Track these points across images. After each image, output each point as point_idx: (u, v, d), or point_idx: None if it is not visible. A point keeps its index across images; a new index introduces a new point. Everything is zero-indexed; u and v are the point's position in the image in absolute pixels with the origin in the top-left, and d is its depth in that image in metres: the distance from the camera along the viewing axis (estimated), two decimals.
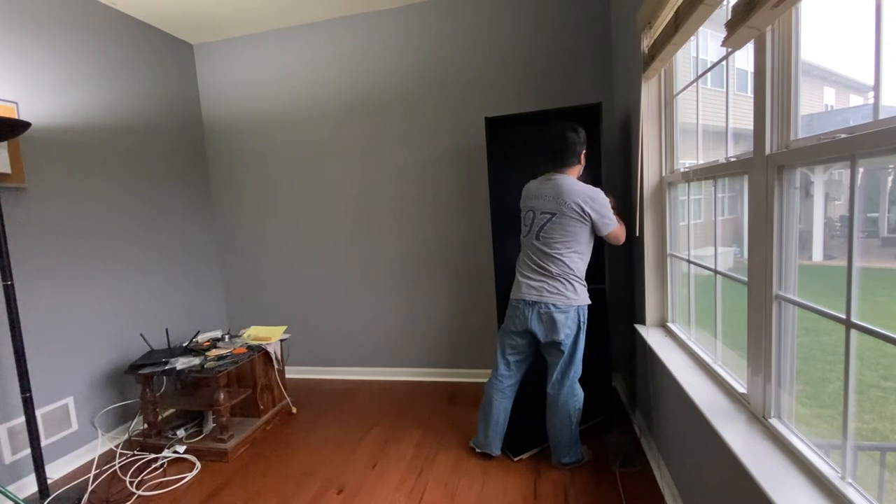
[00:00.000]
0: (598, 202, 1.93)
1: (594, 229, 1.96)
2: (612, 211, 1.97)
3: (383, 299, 3.33)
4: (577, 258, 1.97)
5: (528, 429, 2.35)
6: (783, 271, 1.14)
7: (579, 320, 1.98)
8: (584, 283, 2.01)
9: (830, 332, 1.00)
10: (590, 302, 2.03)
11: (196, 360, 2.45)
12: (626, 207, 2.59)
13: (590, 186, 1.95)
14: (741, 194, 1.37)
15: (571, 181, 1.97)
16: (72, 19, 2.53)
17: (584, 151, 2.05)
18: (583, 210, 1.91)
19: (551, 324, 1.95)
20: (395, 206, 3.24)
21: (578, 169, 2.05)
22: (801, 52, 1.05)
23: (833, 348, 1.03)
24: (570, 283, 1.95)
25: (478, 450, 2.22)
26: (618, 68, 2.67)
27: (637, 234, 2.20)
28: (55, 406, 2.34)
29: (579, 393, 2.05)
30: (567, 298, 1.94)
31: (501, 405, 2.14)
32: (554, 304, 1.94)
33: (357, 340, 3.43)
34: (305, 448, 2.45)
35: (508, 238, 2.88)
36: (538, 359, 2.16)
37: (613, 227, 1.98)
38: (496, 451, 2.18)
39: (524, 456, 2.21)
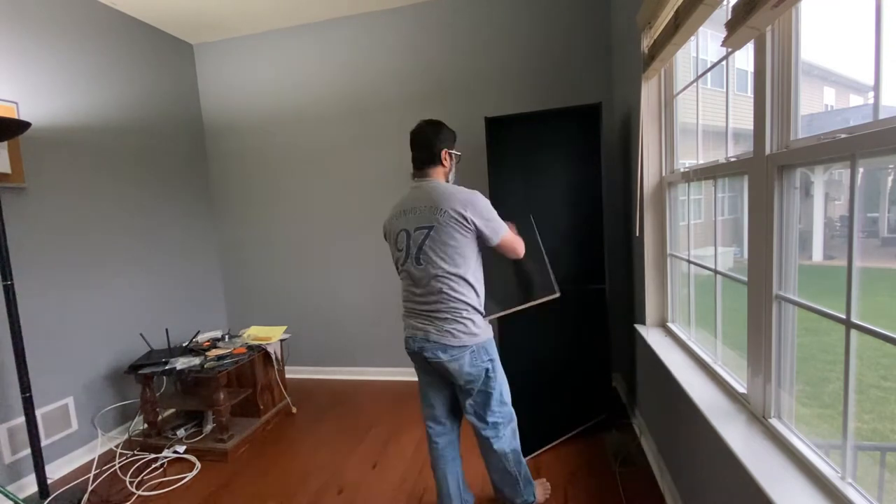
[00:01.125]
0: (478, 205, 1.52)
1: (480, 240, 1.55)
2: (497, 215, 1.57)
3: (383, 299, 3.33)
4: (472, 289, 1.54)
5: (527, 430, 2.36)
6: (783, 271, 1.14)
7: (483, 357, 1.56)
8: (480, 310, 1.58)
9: (830, 332, 1.00)
10: (489, 325, 1.61)
11: (196, 360, 2.45)
12: (627, 207, 2.59)
13: (464, 188, 1.56)
14: (741, 194, 1.36)
15: (439, 184, 1.59)
16: (72, 19, 2.53)
17: (447, 151, 1.65)
18: (463, 217, 1.48)
19: (447, 371, 1.56)
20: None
21: (444, 172, 1.67)
22: (801, 52, 1.05)
23: (833, 348, 1.03)
24: (461, 318, 1.51)
25: None
26: (618, 68, 2.67)
27: (637, 234, 2.20)
28: (55, 406, 2.34)
29: (509, 432, 1.66)
30: (458, 338, 1.50)
31: (452, 472, 1.74)
32: (442, 350, 1.51)
33: (357, 340, 3.43)
34: (305, 448, 2.45)
35: None
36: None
37: (504, 234, 1.56)
38: None
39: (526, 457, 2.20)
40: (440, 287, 1.51)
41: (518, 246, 1.65)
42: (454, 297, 1.51)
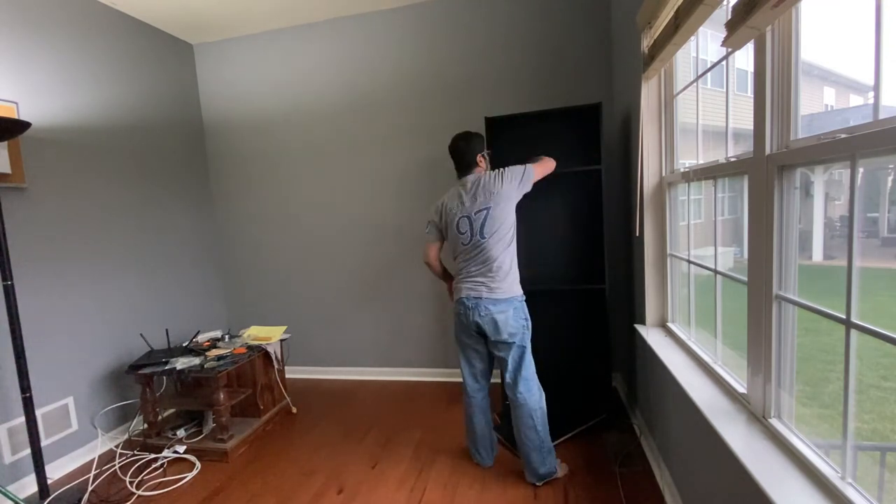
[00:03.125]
0: (509, 171, 1.96)
1: (525, 184, 1.97)
2: (521, 167, 1.98)
3: (383, 299, 3.33)
4: (514, 260, 1.96)
5: None
6: (783, 271, 1.14)
7: (522, 315, 1.95)
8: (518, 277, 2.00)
9: (830, 332, 1.00)
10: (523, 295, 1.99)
11: (196, 360, 2.45)
12: (627, 207, 2.59)
13: (495, 170, 1.98)
14: (741, 194, 1.36)
15: (485, 173, 1.99)
16: (72, 19, 2.53)
17: (481, 156, 2.05)
18: (506, 181, 1.92)
19: (493, 324, 1.90)
20: (395, 206, 3.24)
21: (481, 170, 2.05)
22: (801, 52, 1.05)
23: (833, 348, 1.03)
24: (507, 279, 1.93)
25: (474, 460, 2.19)
26: (618, 68, 2.67)
27: (637, 234, 2.20)
28: (55, 406, 2.34)
29: (540, 391, 1.98)
30: (505, 292, 1.91)
31: (483, 419, 2.10)
32: (493, 304, 1.90)
33: (357, 340, 3.43)
34: (305, 448, 2.45)
35: None
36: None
37: (535, 173, 2.00)
38: (490, 463, 2.16)
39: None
40: (495, 257, 1.90)
41: (549, 168, 2.09)
42: (504, 268, 1.91)
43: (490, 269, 1.91)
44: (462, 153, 2.02)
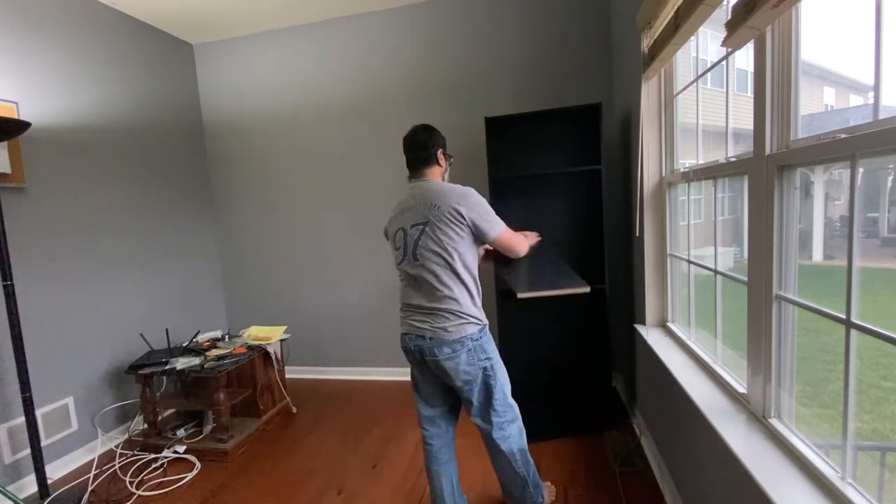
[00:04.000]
0: (472, 201, 1.51)
1: (476, 236, 1.53)
2: (493, 212, 1.56)
3: (383, 299, 3.33)
4: (464, 287, 1.53)
5: (530, 417, 2.36)
6: (783, 271, 1.14)
7: (480, 356, 1.54)
8: (480, 309, 1.60)
9: (830, 332, 1.00)
10: (486, 321, 1.61)
11: (196, 360, 2.45)
12: (627, 207, 2.59)
13: (459, 186, 1.57)
14: (741, 194, 1.36)
15: (435, 182, 1.61)
16: (72, 19, 2.53)
17: (442, 151, 1.69)
18: (457, 213, 1.48)
19: (444, 372, 1.54)
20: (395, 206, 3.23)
21: (440, 172, 1.70)
22: (801, 52, 1.05)
23: (833, 348, 1.03)
24: (456, 314, 1.51)
25: None
26: (618, 68, 2.67)
27: (637, 234, 2.20)
28: (55, 406, 2.34)
29: (515, 430, 1.63)
30: (451, 333, 1.49)
31: (447, 474, 1.70)
32: (438, 347, 1.50)
33: (357, 340, 3.43)
34: (305, 448, 2.45)
35: None
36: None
37: (502, 230, 1.55)
38: None
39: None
40: (435, 284, 1.50)
41: (517, 244, 1.63)
42: (448, 295, 1.50)
43: (427, 299, 1.52)
44: (421, 144, 1.64)
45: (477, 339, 1.54)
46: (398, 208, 1.66)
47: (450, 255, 1.49)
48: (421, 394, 1.70)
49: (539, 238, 1.78)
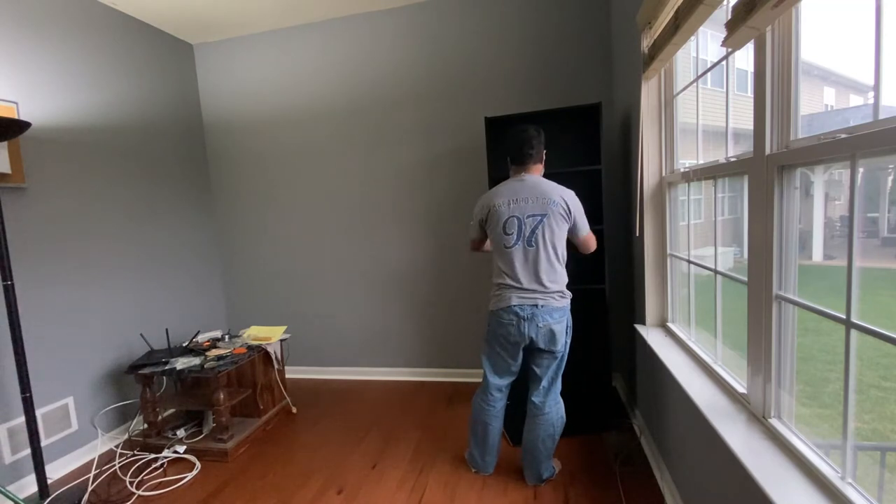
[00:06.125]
0: (576, 201, 1.87)
1: (573, 231, 1.88)
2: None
3: (383, 299, 3.33)
4: (563, 269, 1.89)
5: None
6: (783, 271, 1.14)
7: (569, 323, 1.92)
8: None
9: (830, 332, 1.00)
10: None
11: (196, 360, 2.45)
12: (627, 207, 2.59)
13: (564, 187, 1.89)
14: (741, 194, 1.36)
15: (545, 180, 1.89)
16: (72, 19, 2.53)
17: (545, 153, 1.97)
18: (568, 209, 1.83)
19: (551, 334, 1.84)
20: (395, 206, 3.24)
21: (541, 169, 1.97)
22: (801, 52, 1.05)
23: (833, 348, 1.03)
24: (562, 290, 1.87)
25: (473, 469, 2.11)
26: (618, 68, 2.67)
27: (637, 234, 2.20)
28: (55, 406, 2.34)
29: (561, 401, 1.97)
30: (560, 302, 1.85)
31: (497, 428, 2.03)
32: (549, 314, 1.82)
33: (357, 340, 3.43)
34: (305, 448, 2.45)
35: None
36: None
37: (587, 230, 1.92)
38: (492, 471, 2.09)
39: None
40: (548, 265, 1.82)
41: (593, 243, 1.97)
42: (558, 273, 1.85)
43: (541, 277, 1.82)
44: (538, 143, 1.89)
45: (569, 312, 1.91)
46: (507, 195, 1.88)
47: (559, 242, 1.84)
48: (504, 363, 1.96)
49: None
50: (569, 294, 1.89)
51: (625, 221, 2.68)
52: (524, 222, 1.83)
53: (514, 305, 1.84)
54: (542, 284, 1.83)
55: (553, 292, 1.84)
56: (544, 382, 1.92)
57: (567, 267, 1.91)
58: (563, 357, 1.92)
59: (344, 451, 2.39)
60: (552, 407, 1.92)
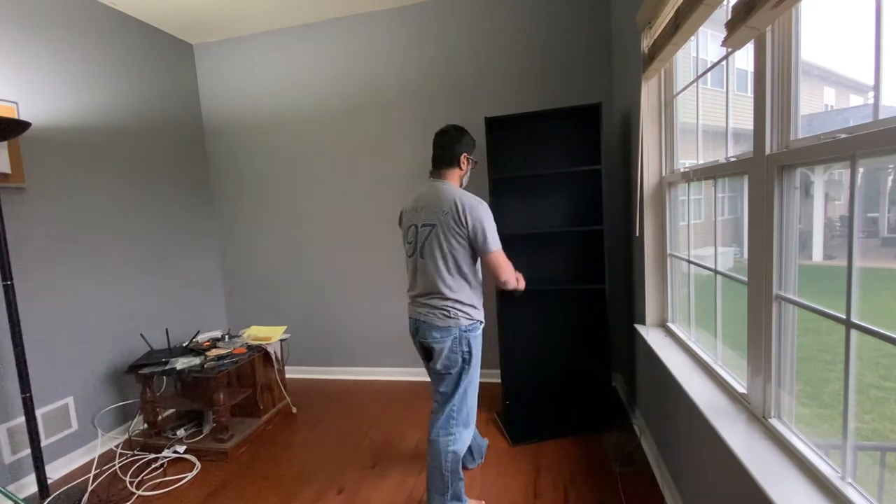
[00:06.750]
0: (479, 211, 1.62)
1: (473, 247, 1.65)
2: (496, 231, 1.67)
3: (383, 299, 3.33)
4: (465, 284, 1.68)
5: (530, 417, 2.36)
6: (783, 271, 1.14)
7: (464, 346, 1.67)
8: (476, 307, 1.74)
9: (830, 332, 1.00)
10: (482, 320, 1.76)
11: (196, 360, 2.45)
12: (627, 207, 2.59)
13: (473, 195, 1.67)
14: (741, 194, 1.36)
15: (451, 186, 1.69)
16: (72, 19, 2.53)
17: (466, 156, 1.76)
18: (461, 217, 1.60)
19: (437, 353, 1.68)
20: (394, 206, 3.23)
21: (459, 175, 1.77)
22: (801, 52, 1.05)
23: (833, 348, 1.03)
24: (451, 307, 1.66)
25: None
26: (618, 68, 2.67)
27: (637, 234, 2.20)
28: (55, 406, 2.34)
29: (459, 435, 1.70)
30: (444, 321, 1.65)
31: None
32: (430, 331, 1.67)
33: (357, 340, 3.43)
34: (305, 448, 2.45)
35: (508, 238, 2.89)
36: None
37: (496, 250, 1.65)
38: (476, 465, 2.09)
39: (524, 444, 2.25)
40: (438, 279, 1.66)
41: (504, 270, 1.70)
42: (451, 289, 1.66)
43: (429, 290, 1.68)
44: (447, 144, 1.73)
45: (465, 331, 1.68)
46: (413, 203, 1.77)
47: (452, 256, 1.66)
48: (430, 373, 1.82)
49: (524, 287, 1.86)
50: (467, 314, 1.68)
51: (625, 221, 2.68)
52: (419, 231, 1.70)
53: (410, 317, 1.79)
54: (428, 299, 1.70)
55: (436, 308, 1.66)
56: (434, 405, 1.76)
57: (480, 283, 1.75)
58: (459, 384, 1.69)
59: (344, 451, 2.39)
60: (438, 436, 1.69)
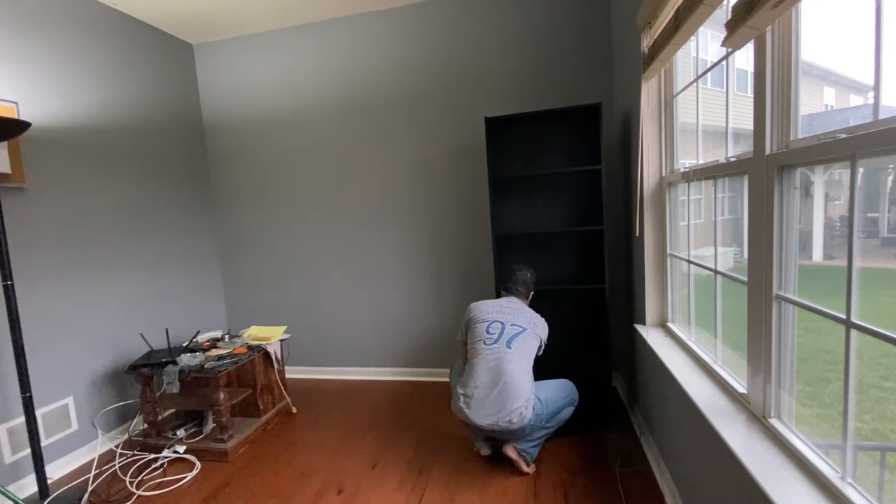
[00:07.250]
0: (547, 329, 2.21)
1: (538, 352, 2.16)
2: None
3: (383, 299, 3.33)
4: (529, 373, 2.08)
5: None
6: (783, 271, 1.14)
7: (545, 410, 2.05)
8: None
9: (830, 332, 1.00)
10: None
11: (196, 361, 2.45)
12: (627, 207, 2.59)
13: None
14: (741, 194, 1.37)
15: (529, 308, 2.25)
16: (72, 19, 2.53)
17: (531, 293, 2.36)
18: (539, 335, 2.15)
19: (513, 434, 2.03)
20: (395, 207, 3.24)
21: (527, 303, 2.34)
22: (801, 52, 1.05)
23: (833, 348, 1.03)
24: (524, 400, 1.98)
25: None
26: (618, 68, 2.67)
27: (637, 234, 2.20)
28: (55, 406, 2.34)
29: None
30: (523, 417, 1.96)
31: None
32: (510, 422, 1.95)
33: (357, 340, 3.43)
34: (305, 448, 2.45)
35: (509, 239, 2.89)
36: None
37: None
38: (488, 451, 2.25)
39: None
40: (514, 369, 2.00)
41: None
42: (522, 382, 1.99)
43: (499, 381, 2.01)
44: (527, 283, 2.33)
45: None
46: (496, 305, 2.22)
47: (530, 355, 2.10)
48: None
49: None
50: (531, 409, 2.05)
51: (625, 221, 2.68)
52: (506, 328, 2.14)
53: (469, 411, 2.14)
54: (501, 393, 2.04)
55: (512, 405, 2.03)
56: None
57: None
58: (549, 420, 2.14)
59: (344, 451, 2.39)
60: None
